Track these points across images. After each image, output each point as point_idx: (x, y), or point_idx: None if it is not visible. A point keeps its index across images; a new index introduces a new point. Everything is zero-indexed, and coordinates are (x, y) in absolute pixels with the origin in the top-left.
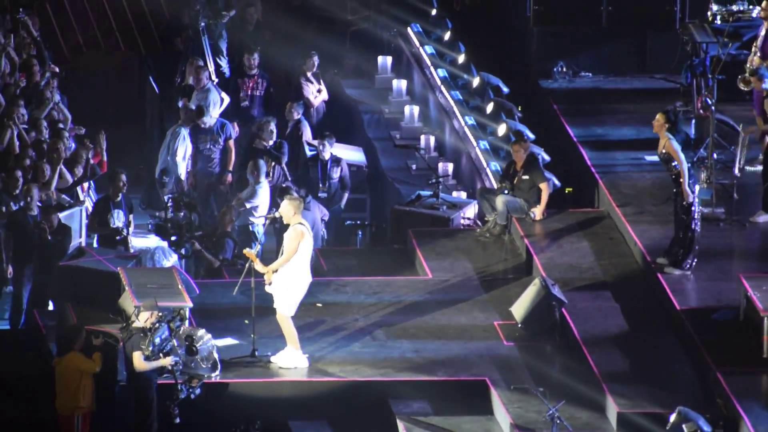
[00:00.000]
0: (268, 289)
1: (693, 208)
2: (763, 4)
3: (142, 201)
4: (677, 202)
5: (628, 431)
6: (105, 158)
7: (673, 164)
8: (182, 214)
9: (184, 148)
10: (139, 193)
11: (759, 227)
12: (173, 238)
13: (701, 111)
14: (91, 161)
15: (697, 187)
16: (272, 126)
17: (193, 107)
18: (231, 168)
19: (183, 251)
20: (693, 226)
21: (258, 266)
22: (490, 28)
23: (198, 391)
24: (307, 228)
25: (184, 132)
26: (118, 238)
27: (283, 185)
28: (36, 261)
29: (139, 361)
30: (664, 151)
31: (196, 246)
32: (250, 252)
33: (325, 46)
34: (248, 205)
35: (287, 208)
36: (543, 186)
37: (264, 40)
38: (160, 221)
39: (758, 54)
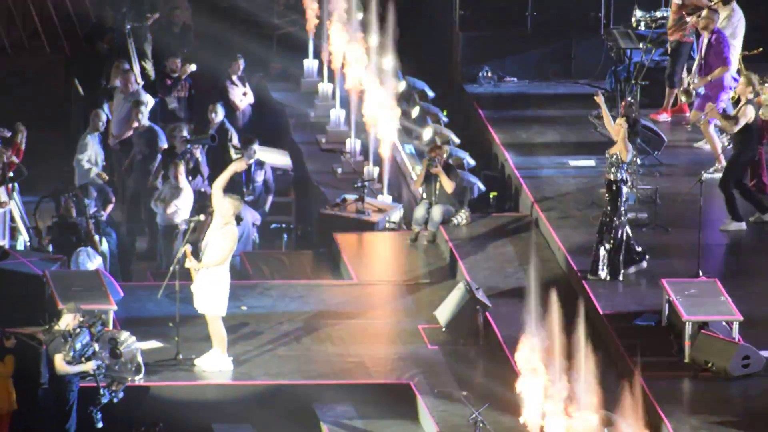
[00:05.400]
0: (193, 288)
1: (623, 213)
2: (704, 12)
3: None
4: (611, 210)
5: None
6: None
7: (619, 170)
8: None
9: (91, 154)
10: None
11: (683, 233)
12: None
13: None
14: (13, 159)
15: (625, 191)
16: (184, 131)
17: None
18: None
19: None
20: (624, 231)
21: (190, 263)
22: (416, 32)
23: (121, 395)
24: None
25: (90, 139)
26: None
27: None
28: None
29: (60, 364)
30: (615, 155)
31: (90, 226)
32: (188, 248)
33: (251, 49)
34: (172, 204)
35: (227, 207)
36: (448, 187)
37: (190, 43)
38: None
39: (700, 71)
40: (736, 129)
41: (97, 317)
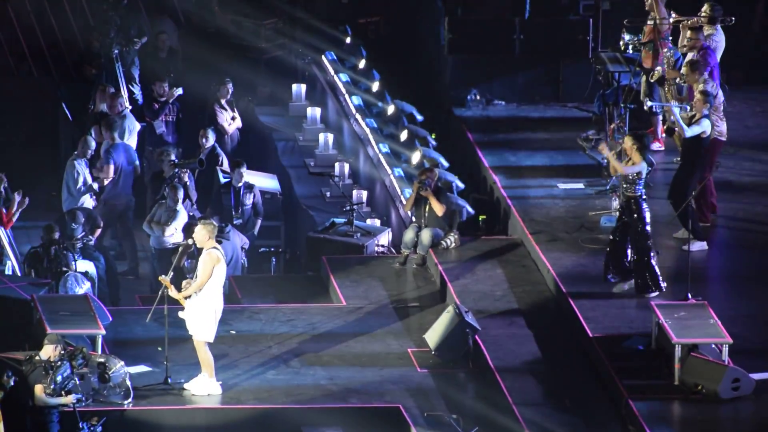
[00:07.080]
0: (181, 314)
1: (648, 231)
2: (688, 33)
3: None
4: (632, 227)
5: None
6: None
7: (636, 186)
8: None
9: (80, 181)
10: (50, 219)
11: (672, 254)
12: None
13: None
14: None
15: (645, 206)
16: (172, 155)
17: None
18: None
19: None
20: (651, 248)
21: (173, 293)
22: (405, 56)
23: (99, 429)
24: (221, 252)
25: (77, 165)
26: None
27: (199, 216)
28: None
29: (40, 395)
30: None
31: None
32: (165, 279)
33: (239, 73)
34: (170, 227)
35: (202, 233)
36: (438, 210)
37: (178, 67)
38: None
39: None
40: (689, 134)
41: (78, 350)
